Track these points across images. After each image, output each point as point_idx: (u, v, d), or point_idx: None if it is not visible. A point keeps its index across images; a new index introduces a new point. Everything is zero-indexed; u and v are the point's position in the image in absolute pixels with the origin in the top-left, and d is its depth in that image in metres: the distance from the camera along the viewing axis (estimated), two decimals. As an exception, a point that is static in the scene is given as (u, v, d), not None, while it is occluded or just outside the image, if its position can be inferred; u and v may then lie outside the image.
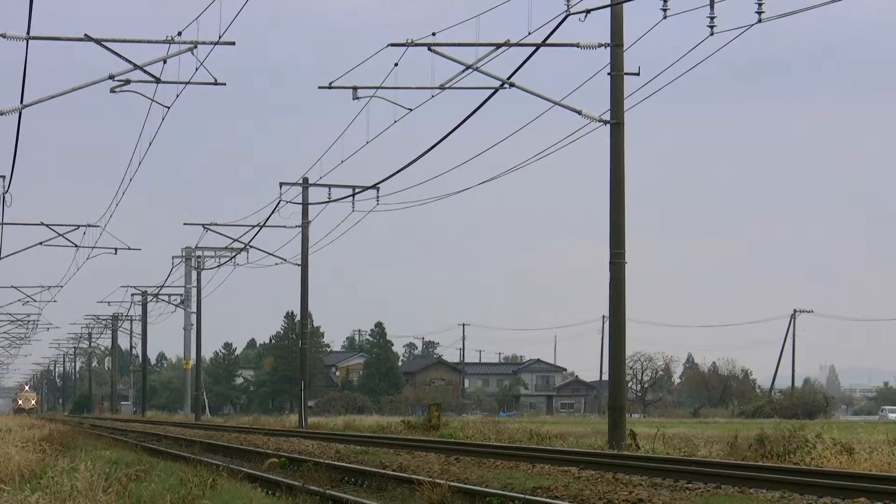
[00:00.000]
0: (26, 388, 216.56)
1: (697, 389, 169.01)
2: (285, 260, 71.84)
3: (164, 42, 33.34)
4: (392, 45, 36.73)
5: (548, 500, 20.39)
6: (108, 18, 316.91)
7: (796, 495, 21.06)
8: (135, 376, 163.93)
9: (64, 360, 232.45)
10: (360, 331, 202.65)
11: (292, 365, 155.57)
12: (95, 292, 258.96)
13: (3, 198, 51.79)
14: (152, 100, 35.84)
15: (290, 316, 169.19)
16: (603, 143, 38.60)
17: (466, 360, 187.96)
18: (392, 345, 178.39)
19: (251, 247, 73.79)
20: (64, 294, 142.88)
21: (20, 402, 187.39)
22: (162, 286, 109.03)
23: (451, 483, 22.62)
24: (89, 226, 67.13)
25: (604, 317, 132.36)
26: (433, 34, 36.52)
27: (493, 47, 36.76)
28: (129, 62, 34.19)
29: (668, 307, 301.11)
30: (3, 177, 51.35)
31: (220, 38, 32.60)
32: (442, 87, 38.36)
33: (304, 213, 68.69)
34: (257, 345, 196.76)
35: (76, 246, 68.87)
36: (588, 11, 34.17)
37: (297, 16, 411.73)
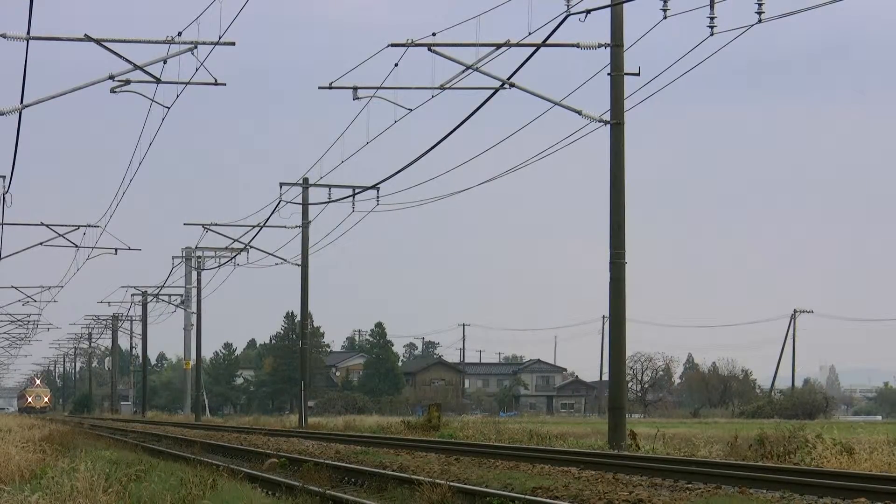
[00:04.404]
0: (37, 382, 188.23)
1: (697, 389, 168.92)
2: (285, 260, 71.90)
3: (164, 42, 33.35)
4: (392, 45, 36.77)
5: (548, 500, 20.40)
6: (108, 18, 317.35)
7: (796, 495, 21.06)
8: (135, 376, 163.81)
9: (64, 361, 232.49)
10: (360, 331, 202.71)
11: (292, 365, 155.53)
12: (95, 292, 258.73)
13: (3, 198, 51.82)
14: (152, 100, 35.88)
15: (290, 316, 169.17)
16: (603, 143, 38.64)
17: (466, 361, 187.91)
18: (392, 345, 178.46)
19: (251, 247, 73.85)
20: (64, 294, 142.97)
21: (30, 398, 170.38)
22: (162, 286, 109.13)
23: (451, 483, 22.62)
24: (89, 226, 67.18)
25: (604, 317, 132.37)
26: (433, 34, 36.57)
27: (493, 48, 36.78)
28: (129, 62, 34.20)
29: (669, 307, 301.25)
30: (3, 177, 51.40)
31: (220, 38, 32.62)
32: (442, 88, 38.38)
33: (304, 213, 68.70)
34: (257, 345, 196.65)
35: (76, 246, 68.92)
36: (588, 11, 34.19)
37: (297, 16, 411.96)
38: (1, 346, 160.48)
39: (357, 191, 59.77)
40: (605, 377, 58.98)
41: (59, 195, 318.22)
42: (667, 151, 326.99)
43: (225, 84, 34.47)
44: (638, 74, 38.14)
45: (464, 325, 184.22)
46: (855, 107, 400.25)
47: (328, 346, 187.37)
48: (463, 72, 37.58)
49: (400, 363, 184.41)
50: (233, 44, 32.80)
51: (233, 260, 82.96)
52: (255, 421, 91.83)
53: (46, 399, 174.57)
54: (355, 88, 39.83)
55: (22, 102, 35.31)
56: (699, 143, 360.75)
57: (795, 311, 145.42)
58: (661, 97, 37.59)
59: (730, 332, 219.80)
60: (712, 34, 33.60)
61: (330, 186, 62.84)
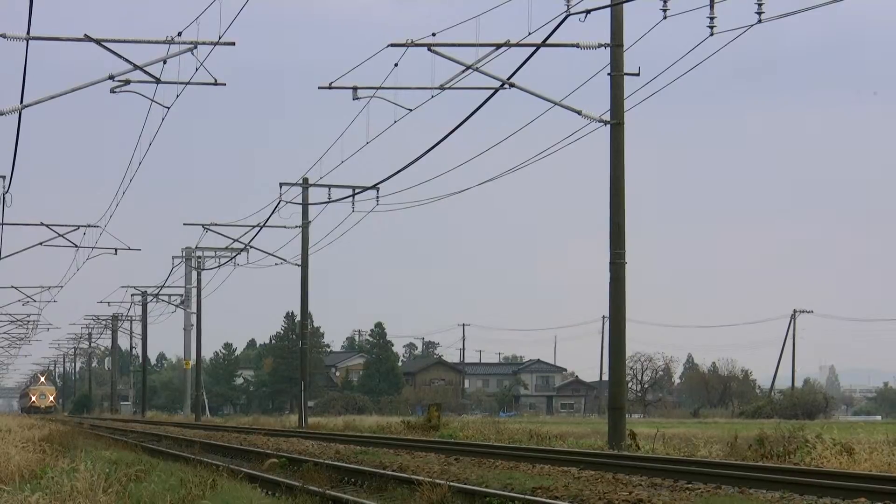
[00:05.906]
0: (41, 379, 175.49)
1: (697, 390, 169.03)
2: (285, 260, 71.92)
3: (164, 42, 33.37)
4: (392, 45, 36.77)
5: (548, 500, 20.39)
6: (108, 18, 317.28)
7: (796, 495, 21.06)
8: (135, 376, 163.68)
9: (64, 361, 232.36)
10: (360, 331, 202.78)
11: (292, 365, 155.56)
12: (95, 292, 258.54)
13: (3, 198, 51.81)
14: (152, 100, 35.89)
15: (290, 316, 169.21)
16: (603, 143, 38.63)
17: (466, 361, 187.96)
18: (392, 345, 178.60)
19: (251, 247, 73.85)
20: (64, 294, 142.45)
21: (33, 398, 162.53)
22: (162, 286, 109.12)
23: (451, 483, 22.61)
24: (89, 226, 67.21)
25: (604, 317, 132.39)
26: (433, 34, 36.57)
27: (493, 47, 36.78)
28: (129, 62, 34.21)
29: (668, 307, 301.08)
30: (3, 177, 51.38)
31: (220, 38, 32.63)
32: (442, 88, 38.38)
33: (304, 213, 68.74)
34: (257, 345, 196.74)
35: (76, 246, 68.92)
36: (588, 11, 34.19)
37: (297, 16, 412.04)
38: (1, 346, 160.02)
39: (357, 191, 59.78)
40: (605, 377, 58.97)
41: (59, 195, 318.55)
42: (667, 151, 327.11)
43: (225, 84, 34.51)
44: (638, 74, 38.14)
45: (464, 325, 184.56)
46: (855, 107, 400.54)
47: (328, 346, 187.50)
48: (463, 72, 37.59)
49: (400, 363, 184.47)
50: (233, 44, 32.82)
51: (233, 260, 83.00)
52: (254, 421, 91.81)
53: (52, 398, 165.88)
54: (355, 88, 39.84)
55: (22, 102, 35.32)
56: (699, 143, 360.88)
57: (795, 311, 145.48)
58: (661, 97, 37.52)
59: (730, 332, 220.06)
60: (712, 34, 33.59)
61: (330, 186, 62.86)
